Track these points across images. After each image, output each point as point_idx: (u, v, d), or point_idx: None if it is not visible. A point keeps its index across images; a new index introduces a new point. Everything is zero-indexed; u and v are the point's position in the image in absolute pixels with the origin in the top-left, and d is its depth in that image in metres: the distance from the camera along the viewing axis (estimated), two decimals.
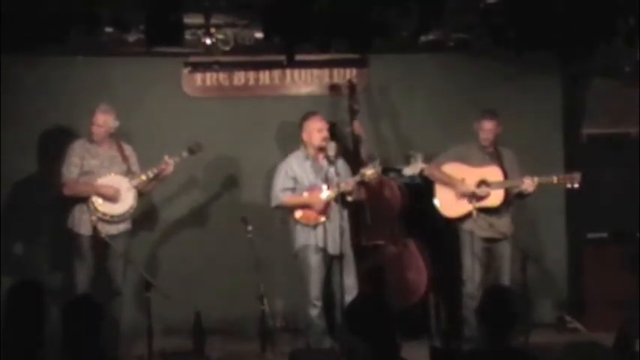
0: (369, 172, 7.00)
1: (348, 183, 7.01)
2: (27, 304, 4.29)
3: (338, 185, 6.90)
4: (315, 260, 7.05)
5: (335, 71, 8.24)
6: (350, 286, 7.01)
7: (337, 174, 6.96)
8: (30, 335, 4.21)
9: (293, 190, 7.13)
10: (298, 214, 7.10)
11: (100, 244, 6.89)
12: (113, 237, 6.96)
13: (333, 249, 7.01)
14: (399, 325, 3.93)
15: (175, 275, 7.80)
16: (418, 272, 7.53)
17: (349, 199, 7.10)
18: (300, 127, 7.21)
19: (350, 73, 8.18)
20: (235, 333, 7.69)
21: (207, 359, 7.00)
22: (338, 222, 6.90)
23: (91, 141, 7.13)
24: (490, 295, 4.40)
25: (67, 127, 7.72)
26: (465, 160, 7.34)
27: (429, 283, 7.52)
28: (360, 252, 7.44)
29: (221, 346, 7.35)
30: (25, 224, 7.81)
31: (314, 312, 7.06)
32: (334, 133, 7.56)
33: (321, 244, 7.01)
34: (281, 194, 7.12)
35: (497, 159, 7.31)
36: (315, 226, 7.05)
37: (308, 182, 7.13)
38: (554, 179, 7.20)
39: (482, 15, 7.00)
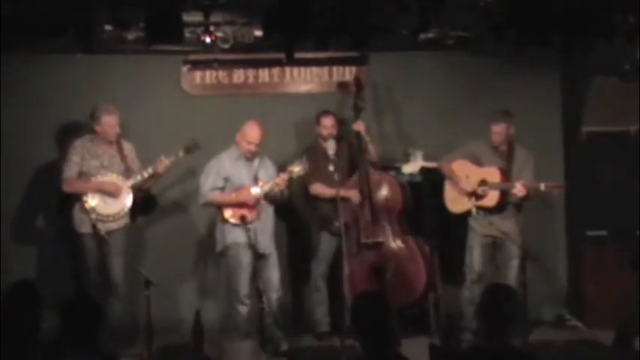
0: (297, 168, 7.08)
1: (279, 182, 7.06)
2: (22, 304, 4.28)
3: (265, 184, 7.06)
4: (245, 257, 7.06)
5: (335, 69, 8.24)
6: (276, 283, 7.16)
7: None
8: (25, 335, 4.20)
9: (222, 189, 7.15)
10: (228, 213, 7.10)
11: (100, 242, 6.90)
12: (112, 232, 7.00)
13: (262, 247, 7.09)
14: (398, 322, 3.94)
15: (175, 273, 7.80)
16: (418, 270, 7.53)
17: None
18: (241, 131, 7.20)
19: (349, 71, 8.19)
20: (234, 331, 7.67)
21: (206, 357, 6.98)
22: (267, 221, 7.13)
23: (93, 140, 7.15)
24: (490, 292, 4.40)
25: (67, 124, 7.71)
26: (476, 157, 7.38)
27: (428, 280, 7.53)
28: (360, 249, 7.45)
29: (220, 344, 7.33)
30: (25, 222, 7.81)
31: (243, 310, 7.08)
32: (342, 130, 7.60)
33: (251, 242, 6.98)
34: (209, 193, 7.14)
35: (506, 159, 7.33)
36: (244, 225, 7.01)
37: (239, 181, 7.14)
38: (542, 186, 7.18)
39: (482, 12, 6.99)
